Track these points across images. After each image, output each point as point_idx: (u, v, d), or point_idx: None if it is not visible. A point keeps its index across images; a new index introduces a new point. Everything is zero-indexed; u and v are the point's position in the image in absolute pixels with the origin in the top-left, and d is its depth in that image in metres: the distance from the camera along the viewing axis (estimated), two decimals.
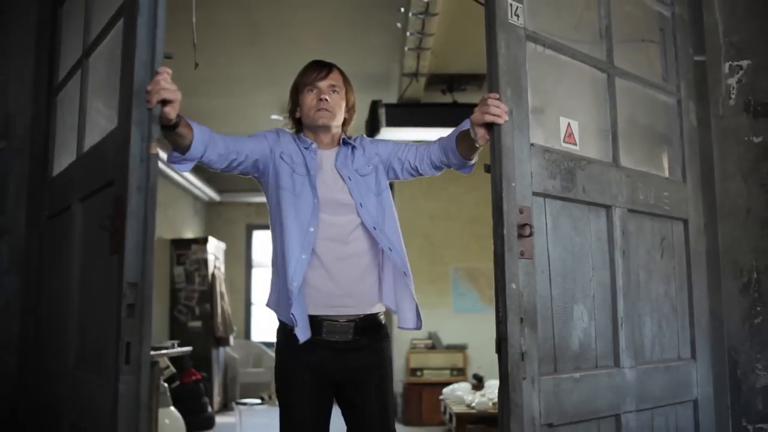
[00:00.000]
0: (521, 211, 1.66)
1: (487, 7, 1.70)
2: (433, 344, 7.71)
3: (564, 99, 1.97)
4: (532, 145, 1.73)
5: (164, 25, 1.60)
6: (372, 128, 5.41)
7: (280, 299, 1.93)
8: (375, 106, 5.28)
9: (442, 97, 5.42)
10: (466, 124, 1.81)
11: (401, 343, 7.97)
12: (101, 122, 2.01)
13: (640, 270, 2.03)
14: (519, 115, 1.70)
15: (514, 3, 1.73)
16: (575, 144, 1.89)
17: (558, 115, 1.88)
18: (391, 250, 1.97)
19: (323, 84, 2.01)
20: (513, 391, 1.56)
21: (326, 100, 1.98)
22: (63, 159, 2.23)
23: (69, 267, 1.96)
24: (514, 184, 1.65)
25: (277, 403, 6.10)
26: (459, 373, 7.45)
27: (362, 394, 1.97)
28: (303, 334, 1.84)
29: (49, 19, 2.33)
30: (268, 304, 2.01)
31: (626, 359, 1.91)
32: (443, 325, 7.55)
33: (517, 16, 1.73)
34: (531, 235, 1.65)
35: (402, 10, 3.82)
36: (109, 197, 1.65)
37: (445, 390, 6.01)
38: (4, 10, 2.38)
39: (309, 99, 2.01)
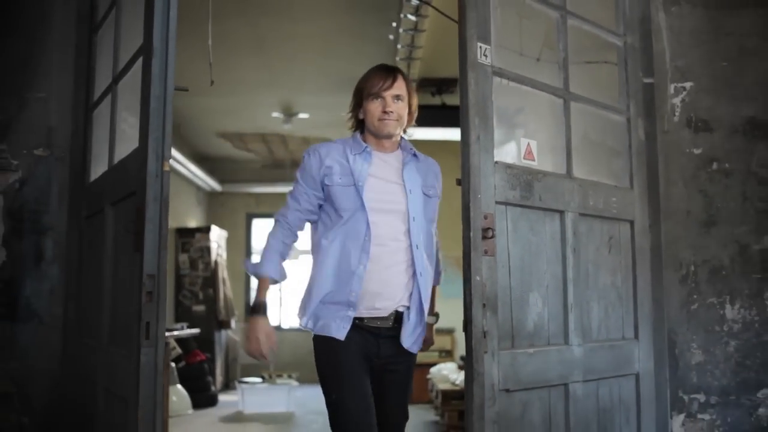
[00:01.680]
0: (485, 217, 2.00)
1: (460, 50, 2.03)
2: None
3: (525, 122, 2.31)
4: (496, 162, 2.07)
5: (174, 64, 1.92)
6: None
7: (324, 311, 2.01)
8: None
9: (432, 99, 5.75)
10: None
11: None
12: (128, 131, 2.36)
13: (589, 264, 2.39)
14: (485, 139, 2.05)
15: (483, 45, 2.06)
16: (533, 160, 2.23)
17: (520, 136, 2.23)
18: (421, 275, 2.01)
19: (388, 94, 2.02)
20: (476, 362, 1.92)
21: (391, 111, 2.01)
22: (98, 167, 2.57)
23: (103, 260, 2.29)
24: (479, 196, 1.99)
25: (277, 381, 6.56)
26: (447, 354, 7.80)
27: (390, 381, 2.05)
28: (343, 334, 1.97)
29: (85, 45, 2.65)
30: (305, 315, 2.06)
31: (575, 338, 2.27)
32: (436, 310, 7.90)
33: (486, 56, 2.07)
34: (493, 236, 2.00)
35: (394, 24, 4.14)
36: (133, 205, 1.99)
37: (432, 369, 6.36)
38: (46, 36, 2.70)
39: (374, 108, 2.02)
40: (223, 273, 8.63)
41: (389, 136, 2.06)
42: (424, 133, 5.68)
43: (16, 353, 2.58)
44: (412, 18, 3.79)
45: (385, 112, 2.01)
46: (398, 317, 2.02)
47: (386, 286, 1.97)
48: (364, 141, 2.08)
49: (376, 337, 2.00)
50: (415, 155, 2.12)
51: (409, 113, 2.11)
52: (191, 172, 8.56)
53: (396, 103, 2.03)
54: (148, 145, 1.83)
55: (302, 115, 6.98)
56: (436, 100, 5.74)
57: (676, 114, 2.81)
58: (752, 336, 2.74)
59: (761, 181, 2.80)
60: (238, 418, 6.50)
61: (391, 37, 4.32)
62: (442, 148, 4.86)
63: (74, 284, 2.60)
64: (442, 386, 5.61)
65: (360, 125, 2.12)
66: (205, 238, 8.36)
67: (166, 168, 1.83)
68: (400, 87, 2.04)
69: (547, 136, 2.38)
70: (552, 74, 2.37)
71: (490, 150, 2.06)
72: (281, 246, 2.09)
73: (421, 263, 2.01)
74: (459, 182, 2.03)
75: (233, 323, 8.68)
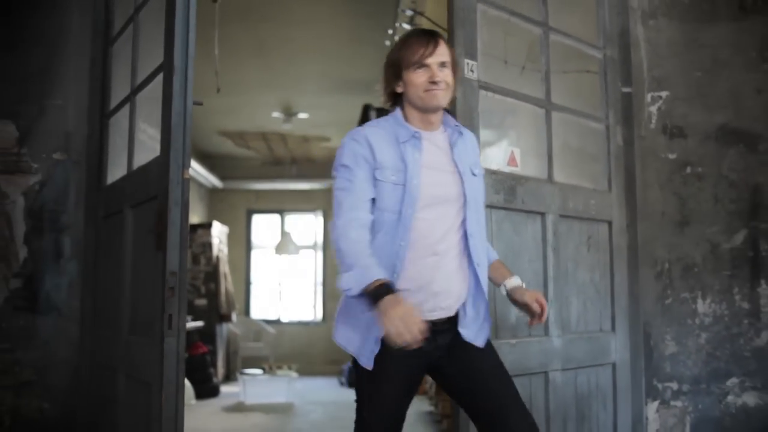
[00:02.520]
0: None
1: None
2: None
3: (510, 131, 2.49)
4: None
5: (193, 81, 2.10)
6: None
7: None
8: (366, 109, 5.78)
9: None
10: (508, 282, 1.86)
11: None
12: (148, 143, 2.53)
13: (569, 262, 2.57)
14: None
15: (470, 62, 2.24)
16: (517, 166, 2.41)
17: (504, 144, 2.41)
18: (479, 265, 1.80)
19: (432, 61, 1.77)
20: None
21: (439, 81, 1.77)
22: (114, 171, 2.74)
23: (122, 257, 2.47)
24: None
25: (277, 373, 6.75)
26: None
27: (472, 353, 1.79)
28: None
29: (100, 56, 2.81)
30: (348, 325, 1.79)
31: (554, 330, 2.46)
32: None
33: (472, 71, 2.25)
34: None
35: (390, 31, 4.31)
36: (153, 208, 2.16)
37: None
38: (64, 47, 2.86)
39: (417, 78, 1.77)
40: (224, 268, 8.80)
41: (438, 109, 1.81)
42: None
43: (37, 343, 2.75)
44: (407, 26, 3.96)
45: (432, 83, 1.77)
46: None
47: (439, 286, 1.75)
48: (406, 119, 1.83)
49: (433, 334, 1.69)
50: (460, 131, 1.88)
51: (454, 81, 1.84)
52: (193, 169, 8.70)
53: (442, 70, 1.78)
54: (170, 155, 2.00)
55: (302, 115, 7.15)
56: None
57: (653, 121, 2.99)
58: (722, 329, 2.93)
59: (731, 184, 2.98)
60: (239, 408, 6.68)
61: (387, 42, 4.49)
62: None
63: (91, 279, 2.77)
64: None
65: (394, 100, 1.86)
66: (207, 233, 8.53)
67: (186, 176, 2.01)
68: (443, 52, 1.80)
69: (530, 144, 2.56)
70: (535, 86, 2.55)
71: None
72: (366, 247, 1.72)
73: (477, 253, 1.79)
74: None
75: (234, 317, 8.86)
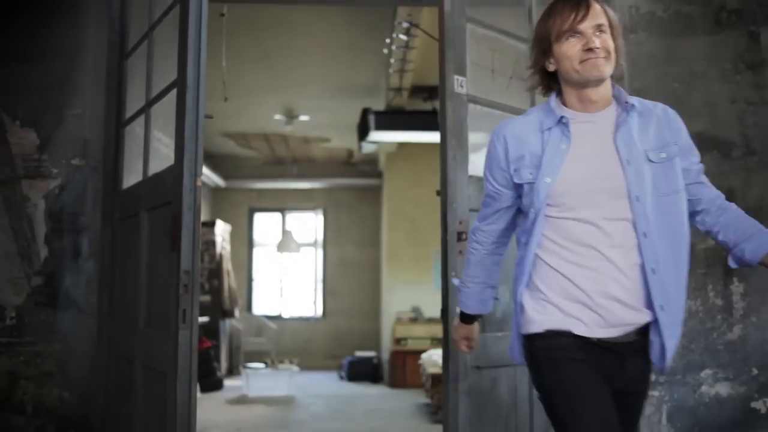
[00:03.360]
0: (460, 222, 2.37)
1: (440, 82, 2.39)
2: (416, 317, 8.45)
3: None
4: (470, 176, 2.43)
5: (205, 95, 2.28)
6: (362, 132, 6.09)
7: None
8: (365, 112, 5.95)
9: (424, 105, 6.10)
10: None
11: (388, 315, 8.73)
12: (162, 150, 2.71)
13: None
14: (461, 157, 2.40)
15: (459, 78, 2.42)
16: None
17: None
18: (653, 271, 1.49)
19: (585, 26, 1.53)
20: (451, 344, 2.28)
21: (596, 47, 1.52)
22: (129, 176, 2.92)
23: (138, 257, 2.65)
24: (455, 205, 2.35)
25: (278, 367, 6.97)
26: (439, 342, 8.17)
27: (630, 409, 1.59)
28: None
29: (116, 69, 2.99)
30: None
31: None
32: (425, 300, 8.26)
33: (462, 86, 2.42)
34: (466, 239, 2.36)
35: (387, 41, 4.49)
36: (168, 212, 2.34)
37: (423, 355, 6.74)
38: (82, 60, 3.04)
39: (570, 49, 1.53)
40: (227, 265, 8.98)
41: (600, 80, 1.56)
42: (417, 136, 6.04)
43: (58, 337, 2.94)
44: (404, 37, 4.14)
45: (589, 50, 1.52)
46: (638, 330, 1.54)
47: (600, 297, 1.50)
48: (564, 102, 1.60)
49: (614, 354, 1.53)
50: (634, 107, 1.60)
51: (616, 50, 1.58)
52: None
53: (599, 35, 1.54)
54: (184, 165, 2.19)
55: (303, 117, 7.33)
56: (428, 106, 6.09)
57: None
58: (697, 323, 3.11)
59: None
60: (242, 400, 6.87)
61: (385, 51, 4.67)
62: (435, 149, 5.21)
63: (107, 276, 2.95)
64: (432, 370, 5.98)
65: (547, 80, 1.64)
66: (210, 231, 8.70)
67: (199, 183, 2.19)
68: (598, 15, 1.55)
69: None
70: (521, 97, 2.72)
71: (465, 166, 2.42)
72: (479, 270, 1.72)
73: (653, 256, 1.49)
74: (438, 193, 2.39)
75: (237, 312, 9.05)
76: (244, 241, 10.68)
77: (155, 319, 2.46)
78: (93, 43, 3.05)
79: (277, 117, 7.30)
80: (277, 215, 11.04)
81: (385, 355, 8.67)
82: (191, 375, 2.11)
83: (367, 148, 7.25)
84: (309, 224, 10.99)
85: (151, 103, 2.64)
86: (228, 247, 9.34)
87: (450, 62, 2.37)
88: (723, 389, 3.09)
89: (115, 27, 3.02)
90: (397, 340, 8.23)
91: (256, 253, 10.95)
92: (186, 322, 2.12)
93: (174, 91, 2.36)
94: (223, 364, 8.49)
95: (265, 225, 11.01)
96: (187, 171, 2.19)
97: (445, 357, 2.30)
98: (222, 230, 9.07)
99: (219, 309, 8.56)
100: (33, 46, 3.07)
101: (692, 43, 3.23)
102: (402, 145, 7.70)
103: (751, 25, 3.25)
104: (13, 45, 3.07)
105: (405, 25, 4.02)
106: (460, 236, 2.35)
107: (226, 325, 8.88)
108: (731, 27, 3.25)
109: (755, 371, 3.10)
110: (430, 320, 8.22)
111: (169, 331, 2.21)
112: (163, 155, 2.70)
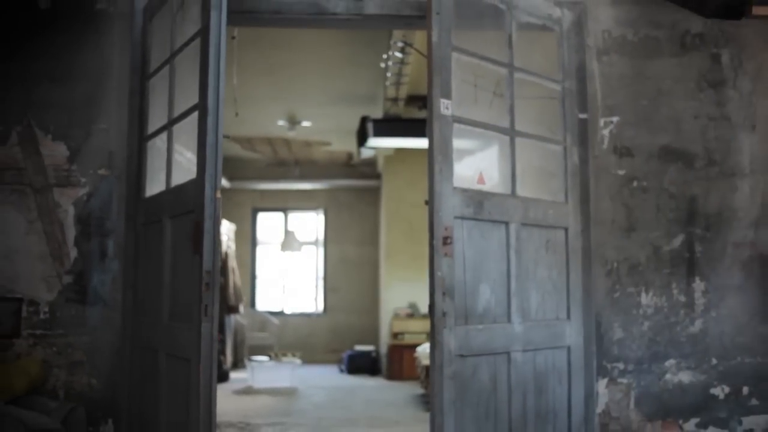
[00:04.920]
0: (446, 228, 2.66)
1: (428, 104, 2.68)
2: (412, 313, 8.74)
3: (479, 155, 2.96)
4: (454, 188, 2.72)
5: (223, 118, 2.57)
6: (361, 138, 6.38)
7: None
8: (364, 120, 6.24)
9: (419, 113, 6.39)
10: None
11: (386, 311, 9.02)
12: (183, 163, 3.00)
13: (530, 262, 3.04)
14: (446, 171, 2.69)
15: (445, 101, 2.71)
16: (485, 184, 2.88)
17: (474, 166, 2.88)
18: None
19: None
20: (438, 335, 2.58)
21: None
22: (151, 186, 3.21)
23: (162, 258, 2.94)
24: (441, 213, 2.64)
25: (282, 360, 7.31)
26: None
27: None
28: None
29: (138, 89, 3.28)
30: None
31: (516, 318, 2.93)
32: (421, 296, 8.52)
33: (447, 108, 2.71)
34: (451, 243, 2.66)
35: (384, 56, 4.78)
36: (191, 220, 2.63)
37: (418, 349, 7.03)
38: (107, 80, 3.32)
39: None
40: (232, 263, 9.25)
41: None
42: (413, 142, 6.32)
43: (86, 329, 3.23)
44: (399, 54, 4.42)
45: None
46: None
47: None
48: None
49: None
50: None
51: None
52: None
53: None
54: (205, 179, 2.48)
55: (305, 123, 7.62)
56: (422, 114, 6.38)
57: (605, 143, 3.46)
58: (662, 318, 3.41)
59: (671, 195, 3.46)
60: (248, 391, 7.17)
61: (383, 65, 4.95)
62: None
63: (131, 275, 3.24)
64: (426, 363, 6.28)
65: None
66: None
67: (218, 195, 2.49)
68: None
69: (497, 165, 3.03)
70: (501, 116, 3.02)
71: (450, 178, 2.71)
72: None
73: None
74: (426, 202, 2.68)
75: (241, 308, 9.33)
76: (248, 239, 10.97)
77: (178, 313, 2.76)
78: (117, 64, 3.34)
79: (281, 123, 7.58)
80: (280, 215, 11.33)
81: (383, 349, 8.96)
82: (212, 361, 2.40)
83: (365, 153, 7.54)
84: (310, 223, 11.28)
85: (173, 122, 2.93)
86: (233, 246, 9.62)
87: (437, 87, 2.66)
88: (685, 377, 3.39)
89: (136, 50, 3.31)
90: (395, 335, 8.51)
91: (260, 251, 11.24)
92: (207, 315, 2.42)
93: (195, 114, 2.65)
94: (229, 358, 8.77)
95: (268, 224, 11.31)
96: (208, 184, 2.49)
97: (432, 346, 2.60)
98: (227, 229, 9.34)
99: (224, 305, 8.83)
100: (62, 67, 3.36)
101: (660, 64, 3.52)
102: (399, 149, 7.99)
103: (713, 47, 3.54)
104: (45, 66, 3.35)
105: (400, 44, 4.30)
106: (446, 240, 2.64)
107: (231, 320, 9.16)
108: (695, 49, 3.54)
109: (714, 361, 3.40)
110: (426, 316, 8.43)
111: (192, 323, 2.50)
112: (184, 168, 2.99)
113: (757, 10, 2.54)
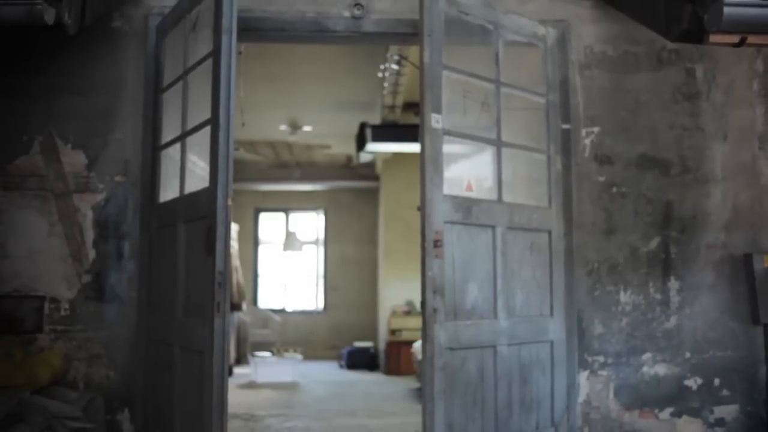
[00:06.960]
0: (436, 233, 2.87)
1: (420, 119, 2.89)
2: (410, 310, 8.94)
3: (468, 164, 3.17)
4: (445, 195, 2.93)
5: (234, 132, 2.78)
6: (360, 143, 6.59)
7: None
8: (363, 126, 6.46)
9: (416, 119, 6.59)
10: None
11: (384, 309, 9.23)
12: (196, 172, 3.22)
13: (515, 262, 3.26)
14: (437, 179, 2.91)
15: (436, 115, 2.92)
16: (473, 191, 3.10)
17: (463, 175, 3.09)
18: None
19: None
20: (429, 329, 2.79)
21: None
22: (166, 192, 3.42)
23: (175, 259, 3.15)
24: (432, 218, 2.85)
25: (282, 356, 7.61)
26: None
27: None
28: None
29: (152, 101, 3.49)
30: None
31: (502, 315, 3.14)
32: (419, 294, 8.69)
33: (438, 122, 2.93)
34: (441, 246, 2.87)
35: (382, 67, 4.99)
36: (204, 225, 2.84)
37: (415, 344, 7.23)
38: (122, 93, 3.54)
39: None
40: (235, 262, 9.42)
41: None
42: (410, 147, 6.52)
43: (104, 325, 3.45)
44: (395, 67, 4.63)
45: None
46: None
47: None
48: None
49: None
50: None
51: None
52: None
53: None
54: (217, 188, 2.70)
55: (306, 128, 7.83)
56: (418, 120, 6.57)
57: (587, 151, 3.68)
58: (639, 315, 3.62)
59: (648, 200, 3.67)
60: (251, 385, 7.38)
61: (380, 75, 5.16)
62: None
63: (145, 275, 3.45)
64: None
65: None
66: None
67: (229, 203, 2.70)
68: None
69: (484, 174, 3.24)
70: (489, 128, 3.23)
71: (440, 186, 2.92)
72: None
73: None
74: (419, 208, 2.90)
75: (244, 306, 9.53)
76: (250, 239, 11.17)
77: (192, 310, 2.97)
78: (132, 79, 3.56)
79: (283, 127, 7.80)
80: (281, 215, 11.53)
81: (382, 345, 9.17)
82: (224, 353, 2.62)
83: (364, 157, 7.74)
84: (311, 224, 11.49)
85: (186, 134, 3.14)
86: (236, 245, 9.80)
87: (428, 103, 2.88)
88: (661, 369, 3.60)
89: (150, 65, 3.52)
90: (393, 332, 8.71)
91: (262, 250, 11.44)
92: (219, 311, 2.64)
93: (207, 128, 2.86)
94: (232, 353, 8.97)
95: (270, 224, 11.51)
96: (220, 193, 2.70)
97: (424, 340, 2.81)
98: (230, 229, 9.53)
99: (228, 303, 9.02)
100: (81, 81, 3.57)
101: (638, 78, 3.74)
102: (397, 153, 8.20)
103: (687, 62, 3.75)
104: (65, 80, 3.57)
105: (396, 57, 4.51)
106: (436, 243, 2.86)
107: (235, 317, 9.34)
108: (671, 64, 3.75)
109: (688, 354, 3.61)
110: (419, 313, 8.63)
111: (205, 319, 2.72)
112: (196, 176, 3.20)
113: (713, 38, 2.76)
